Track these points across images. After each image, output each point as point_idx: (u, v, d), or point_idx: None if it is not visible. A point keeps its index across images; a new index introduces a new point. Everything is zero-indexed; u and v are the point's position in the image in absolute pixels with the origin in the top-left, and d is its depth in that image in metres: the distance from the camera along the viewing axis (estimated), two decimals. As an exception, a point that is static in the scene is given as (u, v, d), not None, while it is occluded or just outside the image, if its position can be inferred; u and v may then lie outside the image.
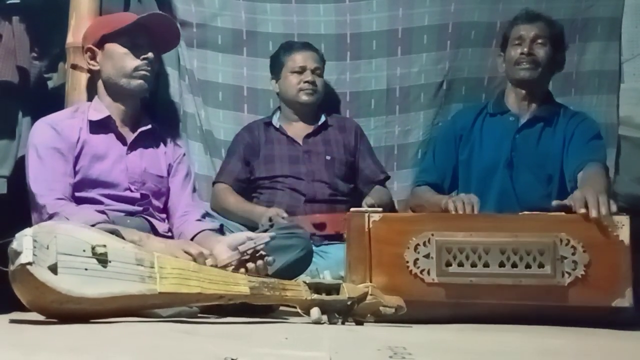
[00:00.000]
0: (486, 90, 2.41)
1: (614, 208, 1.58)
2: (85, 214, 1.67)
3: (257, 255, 1.61)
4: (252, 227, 2.08)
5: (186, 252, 1.57)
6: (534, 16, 2.12)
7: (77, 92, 2.02)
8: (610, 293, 1.55)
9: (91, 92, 1.97)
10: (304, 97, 2.29)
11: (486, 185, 2.13)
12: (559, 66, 2.16)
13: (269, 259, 1.61)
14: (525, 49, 2.07)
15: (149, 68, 1.85)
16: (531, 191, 2.08)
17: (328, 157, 2.30)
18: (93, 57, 1.89)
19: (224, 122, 2.45)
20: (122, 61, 1.84)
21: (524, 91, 2.13)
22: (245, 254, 1.58)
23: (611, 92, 2.41)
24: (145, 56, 1.83)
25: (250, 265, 1.59)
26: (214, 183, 2.33)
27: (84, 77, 2.02)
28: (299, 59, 2.29)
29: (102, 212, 1.74)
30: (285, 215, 2.10)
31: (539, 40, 2.08)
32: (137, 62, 1.84)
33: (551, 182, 2.08)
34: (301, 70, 2.28)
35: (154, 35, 1.88)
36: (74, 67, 2.02)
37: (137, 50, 1.84)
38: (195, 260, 1.53)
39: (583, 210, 1.57)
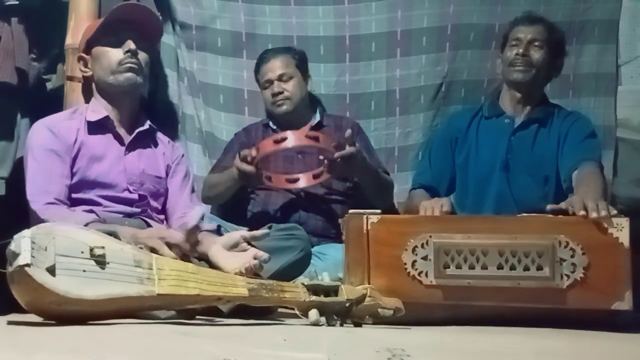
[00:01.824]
0: (485, 92, 2.41)
1: (613, 212, 1.58)
2: (74, 217, 1.67)
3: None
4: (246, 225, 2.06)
5: (152, 250, 1.52)
6: (535, 19, 2.12)
7: (76, 94, 2.02)
8: (610, 296, 1.54)
9: (87, 98, 1.97)
10: (278, 110, 2.29)
11: (483, 187, 2.13)
12: (556, 71, 2.15)
13: (264, 257, 1.61)
14: (521, 50, 2.07)
15: (133, 59, 1.83)
16: (528, 193, 2.08)
17: (321, 157, 2.30)
18: (85, 65, 1.90)
19: (225, 123, 2.45)
20: (107, 59, 1.85)
21: (518, 94, 2.13)
22: (251, 270, 1.57)
23: (608, 94, 2.42)
24: (126, 48, 1.83)
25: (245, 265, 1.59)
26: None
27: (80, 85, 2.02)
28: (264, 72, 2.30)
29: (91, 211, 1.73)
30: (245, 168, 2.01)
31: (536, 43, 2.08)
32: (120, 56, 1.83)
33: (548, 183, 2.08)
34: (269, 84, 2.29)
35: (136, 28, 1.86)
36: (70, 78, 2.03)
37: (119, 44, 1.84)
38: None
39: (583, 212, 1.57)
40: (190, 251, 1.58)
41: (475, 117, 2.19)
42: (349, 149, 2.04)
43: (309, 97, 2.38)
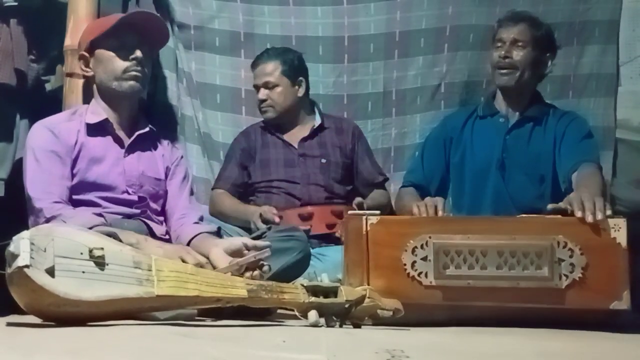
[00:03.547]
0: (485, 93, 2.41)
1: (608, 212, 1.58)
2: (82, 217, 1.67)
3: (256, 264, 1.61)
4: (248, 228, 2.09)
5: (182, 260, 1.56)
6: (518, 18, 2.11)
7: (75, 95, 2.02)
8: (608, 295, 1.54)
9: (87, 98, 1.97)
10: (263, 115, 2.32)
11: (480, 187, 2.13)
12: (543, 67, 2.13)
13: (265, 268, 1.61)
14: (503, 52, 2.07)
15: (138, 68, 1.83)
16: (524, 192, 2.08)
17: (323, 160, 2.30)
18: (86, 64, 1.89)
19: (222, 124, 2.45)
20: (111, 64, 1.84)
21: (510, 96, 2.13)
22: (244, 266, 1.57)
23: (608, 94, 2.42)
24: (133, 56, 1.83)
25: (246, 274, 1.59)
26: (212, 189, 2.33)
27: (81, 82, 2.02)
28: (254, 75, 2.32)
29: (100, 214, 1.73)
30: (275, 211, 2.11)
31: (519, 43, 2.07)
32: (126, 63, 1.83)
33: (544, 182, 2.09)
34: (257, 90, 2.31)
35: (143, 34, 1.87)
36: (70, 75, 2.02)
37: (126, 50, 1.83)
38: None
39: (580, 214, 1.58)
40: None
41: (470, 117, 2.20)
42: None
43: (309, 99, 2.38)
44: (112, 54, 1.84)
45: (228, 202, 2.27)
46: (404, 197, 2.13)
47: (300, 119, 2.35)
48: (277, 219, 2.07)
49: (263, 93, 2.29)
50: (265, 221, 2.08)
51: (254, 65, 2.33)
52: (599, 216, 1.55)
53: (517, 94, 2.13)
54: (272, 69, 2.30)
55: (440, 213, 1.76)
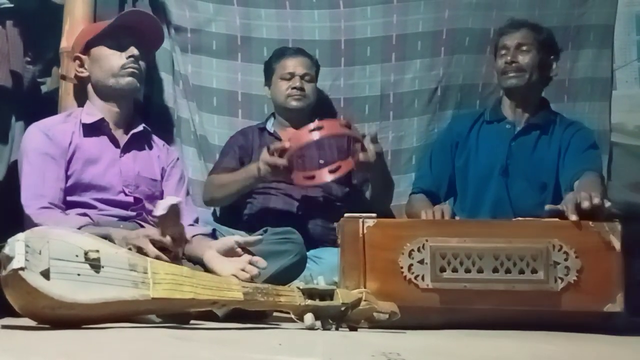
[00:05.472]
0: (480, 96, 2.42)
1: (603, 203, 1.58)
2: (67, 220, 1.67)
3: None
4: (245, 228, 2.06)
5: (139, 249, 1.50)
6: (519, 24, 2.14)
7: (71, 97, 2.02)
8: (602, 298, 1.56)
9: (79, 100, 1.96)
10: (292, 103, 2.29)
11: (482, 192, 2.14)
12: (549, 70, 2.15)
13: (260, 263, 1.61)
14: (509, 58, 2.09)
15: (135, 65, 1.84)
16: (525, 199, 2.08)
17: (321, 161, 2.30)
18: (82, 65, 1.90)
19: (218, 127, 2.45)
20: (108, 62, 1.85)
21: (516, 100, 2.14)
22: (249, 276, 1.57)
23: (603, 99, 2.43)
24: (129, 54, 1.83)
25: (242, 274, 1.58)
26: (208, 176, 2.30)
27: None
28: (288, 65, 2.30)
29: (84, 214, 1.73)
30: (277, 161, 1.99)
31: (523, 48, 2.09)
32: (123, 60, 1.84)
33: (545, 190, 2.09)
34: (290, 77, 2.29)
35: (138, 34, 1.88)
36: (63, 77, 2.02)
37: (122, 48, 1.85)
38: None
39: (573, 217, 1.58)
40: (172, 247, 1.55)
41: (477, 122, 2.21)
42: (379, 146, 2.04)
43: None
44: (109, 51, 1.85)
45: (225, 175, 2.20)
46: (414, 204, 2.13)
47: (305, 120, 2.35)
48: (286, 144, 1.96)
49: (300, 81, 2.28)
50: (274, 152, 1.97)
51: (285, 53, 2.31)
52: (596, 200, 1.55)
53: (525, 96, 2.13)
54: (311, 65, 2.32)
55: (447, 217, 1.77)
